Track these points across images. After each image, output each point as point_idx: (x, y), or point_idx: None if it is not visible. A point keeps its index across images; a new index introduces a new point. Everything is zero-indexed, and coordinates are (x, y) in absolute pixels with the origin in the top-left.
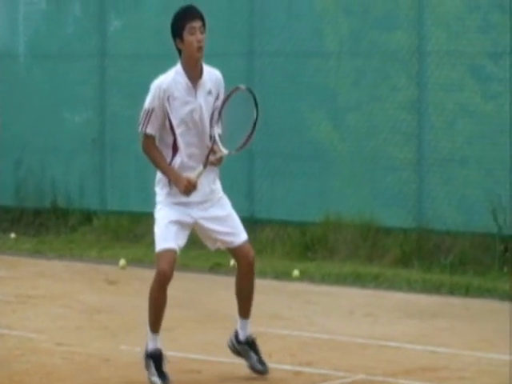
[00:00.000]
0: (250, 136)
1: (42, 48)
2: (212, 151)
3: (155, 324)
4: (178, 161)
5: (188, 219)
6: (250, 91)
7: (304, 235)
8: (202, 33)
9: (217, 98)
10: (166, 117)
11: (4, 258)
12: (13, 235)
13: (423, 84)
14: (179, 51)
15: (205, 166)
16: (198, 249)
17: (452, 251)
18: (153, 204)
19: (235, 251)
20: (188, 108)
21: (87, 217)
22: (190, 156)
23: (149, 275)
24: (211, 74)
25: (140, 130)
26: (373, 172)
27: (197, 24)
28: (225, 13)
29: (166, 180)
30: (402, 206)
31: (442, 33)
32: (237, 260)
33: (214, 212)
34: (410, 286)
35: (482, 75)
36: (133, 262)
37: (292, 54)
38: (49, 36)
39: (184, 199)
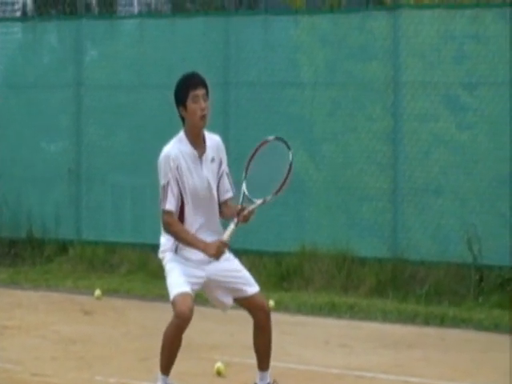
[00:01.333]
0: (286, 179)
1: (19, 78)
2: (242, 209)
3: (168, 367)
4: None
5: (201, 273)
6: (279, 139)
7: (279, 265)
8: (205, 101)
9: (220, 163)
10: (178, 188)
11: None
12: None
13: (398, 114)
14: (182, 119)
15: (236, 224)
16: None
17: (427, 281)
18: (128, 233)
19: (250, 302)
20: (195, 177)
21: (63, 247)
22: (196, 224)
23: (124, 305)
24: (212, 141)
25: (162, 208)
26: (348, 202)
27: (200, 92)
28: (200, 43)
29: (173, 246)
30: (377, 236)
31: (418, 63)
32: (252, 312)
33: (226, 265)
34: (385, 316)
35: (457, 105)
36: (108, 292)
37: (267, 85)
38: (25, 66)
39: (195, 257)
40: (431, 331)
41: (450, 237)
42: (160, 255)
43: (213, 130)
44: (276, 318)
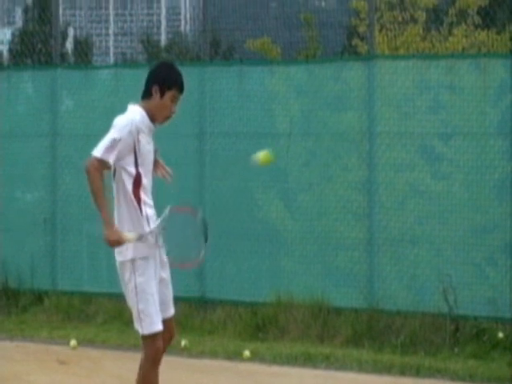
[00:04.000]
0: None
1: None
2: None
3: None
4: (142, 195)
5: (159, 275)
6: (204, 226)
7: (255, 315)
8: (176, 104)
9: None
10: (132, 151)
11: None
12: None
13: (374, 164)
14: (149, 95)
15: (140, 238)
16: None
17: (403, 331)
18: (104, 283)
19: (167, 323)
20: (150, 148)
21: (38, 297)
22: (149, 190)
23: (100, 355)
24: None
25: (98, 154)
26: (324, 252)
27: (180, 96)
28: None
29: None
30: (353, 286)
31: (393, 113)
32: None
33: (163, 273)
34: (361, 367)
35: (432, 155)
36: (84, 342)
37: (243, 135)
38: (0, 115)
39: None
40: (407, 381)
41: (425, 287)
42: (119, 257)
43: (188, 179)
44: (252, 368)
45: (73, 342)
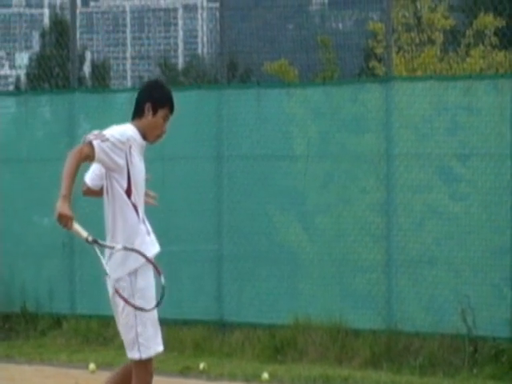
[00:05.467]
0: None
1: (12, 151)
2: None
3: None
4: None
5: None
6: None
7: (273, 338)
8: (167, 124)
9: None
10: (125, 167)
11: None
12: None
13: (392, 186)
14: (141, 112)
15: (87, 240)
16: (167, 352)
17: (421, 353)
18: None
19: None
20: (141, 166)
21: (57, 321)
22: (142, 208)
23: None
24: None
25: (91, 139)
26: (342, 274)
27: (170, 116)
28: (193, 116)
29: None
30: (371, 308)
31: (410, 135)
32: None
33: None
34: None
35: (450, 177)
36: (102, 365)
37: (260, 157)
38: (18, 139)
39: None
40: None
41: (443, 308)
42: (114, 275)
43: (206, 202)
44: None
45: (91, 366)
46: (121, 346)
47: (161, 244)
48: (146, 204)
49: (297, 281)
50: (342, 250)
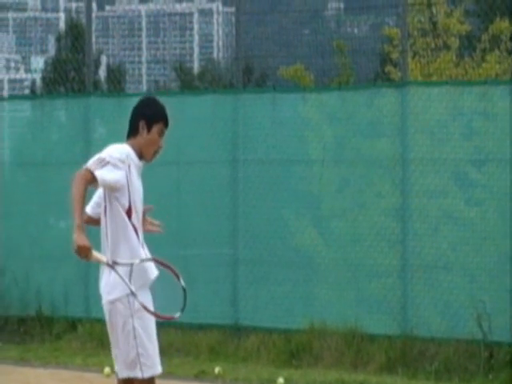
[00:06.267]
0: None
1: (27, 155)
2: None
3: None
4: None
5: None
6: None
7: (289, 342)
8: (162, 139)
9: None
10: (126, 184)
11: None
12: None
13: (407, 191)
14: (135, 131)
15: (109, 264)
16: (183, 356)
17: (437, 358)
18: None
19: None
20: (139, 185)
21: (72, 324)
22: (140, 231)
23: None
24: None
25: (90, 167)
26: (357, 279)
27: (165, 130)
28: (209, 121)
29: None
30: (386, 313)
31: (426, 140)
32: None
33: None
34: None
35: (466, 182)
36: None
37: (276, 162)
38: (34, 143)
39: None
40: None
41: (459, 313)
42: (109, 297)
43: (221, 206)
44: None
45: (107, 370)
46: None
47: (176, 248)
48: (152, 232)
49: (312, 285)
50: (357, 255)
